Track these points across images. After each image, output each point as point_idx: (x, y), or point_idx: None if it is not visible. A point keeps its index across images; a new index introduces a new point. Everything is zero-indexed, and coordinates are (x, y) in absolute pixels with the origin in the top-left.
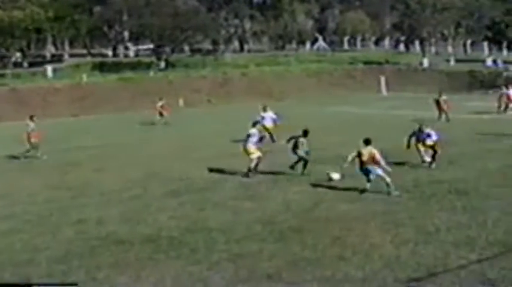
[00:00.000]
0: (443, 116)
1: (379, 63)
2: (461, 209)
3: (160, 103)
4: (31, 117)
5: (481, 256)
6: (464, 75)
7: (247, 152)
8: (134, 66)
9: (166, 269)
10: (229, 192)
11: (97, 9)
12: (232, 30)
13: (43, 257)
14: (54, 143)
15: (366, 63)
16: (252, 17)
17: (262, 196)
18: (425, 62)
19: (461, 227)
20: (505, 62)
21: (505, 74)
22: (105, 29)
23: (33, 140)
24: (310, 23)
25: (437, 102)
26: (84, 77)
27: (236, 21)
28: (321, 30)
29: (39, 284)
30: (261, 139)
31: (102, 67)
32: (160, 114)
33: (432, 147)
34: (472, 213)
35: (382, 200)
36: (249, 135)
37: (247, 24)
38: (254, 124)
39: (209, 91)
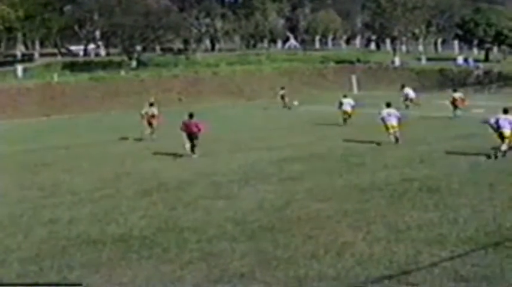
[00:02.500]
0: (457, 111)
1: (351, 62)
2: (432, 207)
3: (148, 110)
4: (151, 104)
5: (453, 254)
6: (435, 74)
7: None
8: (105, 65)
9: (138, 269)
10: (200, 191)
11: (68, 8)
12: (203, 29)
13: (15, 258)
14: (24, 143)
15: (337, 62)
16: (223, 16)
17: (234, 195)
18: (397, 61)
19: (432, 224)
20: (475, 60)
21: (475, 72)
22: (76, 28)
23: (154, 122)
24: (281, 22)
25: (454, 99)
26: (55, 77)
27: (207, 20)
28: (292, 29)
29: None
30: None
31: (73, 67)
32: (149, 123)
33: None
34: (443, 211)
35: (353, 198)
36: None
37: (219, 23)
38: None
39: (180, 90)
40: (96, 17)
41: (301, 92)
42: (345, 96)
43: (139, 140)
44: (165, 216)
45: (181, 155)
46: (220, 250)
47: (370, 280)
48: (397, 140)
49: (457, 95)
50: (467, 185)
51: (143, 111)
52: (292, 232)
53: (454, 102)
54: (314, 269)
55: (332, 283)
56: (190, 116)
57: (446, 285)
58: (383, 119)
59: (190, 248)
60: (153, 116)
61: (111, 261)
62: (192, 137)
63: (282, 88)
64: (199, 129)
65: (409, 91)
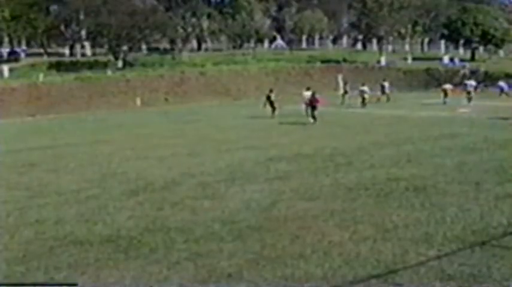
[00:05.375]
0: (446, 99)
1: (337, 62)
2: (419, 206)
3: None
4: (271, 91)
5: (440, 253)
6: (421, 73)
7: None
8: (91, 65)
9: (125, 269)
10: (187, 191)
11: (54, 8)
12: (190, 29)
13: (1, 259)
14: (10, 143)
15: (323, 61)
16: (209, 16)
17: (221, 195)
18: (383, 60)
19: (419, 224)
20: (461, 60)
21: (461, 71)
22: (62, 28)
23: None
24: (267, 22)
25: (445, 90)
26: (41, 77)
27: (194, 20)
28: (279, 29)
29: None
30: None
31: (59, 66)
32: None
33: None
34: (430, 210)
35: (340, 197)
36: None
37: (205, 23)
38: None
39: (167, 90)
40: (82, 16)
41: (288, 92)
42: (307, 89)
43: (123, 139)
44: (152, 216)
45: None
46: (207, 250)
47: (357, 280)
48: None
49: (447, 86)
50: (454, 184)
51: None
52: (280, 231)
53: (445, 92)
54: (301, 268)
55: (319, 282)
56: (308, 89)
57: (433, 284)
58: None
59: (178, 248)
60: None
61: (98, 261)
62: (313, 107)
63: (271, 91)
64: (317, 102)
65: (365, 88)
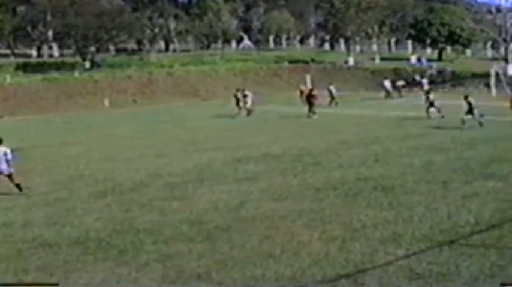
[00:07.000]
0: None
1: (305, 62)
2: (387, 205)
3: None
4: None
5: (408, 252)
6: (389, 73)
7: None
8: (59, 66)
9: (94, 271)
10: (155, 192)
11: (20, 8)
12: (157, 29)
13: None
14: None
15: (291, 62)
16: (176, 17)
17: (189, 196)
18: (350, 61)
19: (387, 223)
20: (429, 60)
21: (428, 71)
22: (29, 29)
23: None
24: (235, 22)
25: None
26: (8, 78)
27: (161, 20)
28: (246, 29)
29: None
30: None
31: (26, 68)
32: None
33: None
34: (398, 209)
35: (308, 197)
36: None
37: (172, 24)
38: None
39: (134, 91)
40: (49, 17)
41: (256, 92)
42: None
43: (91, 141)
44: (120, 218)
45: None
46: (176, 251)
47: (326, 279)
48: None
49: (400, 83)
50: (421, 184)
51: None
52: (248, 232)
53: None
54: (271, 269)
55: (289, 282)
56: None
57: (402, 283)
58: None
59: (146, 249)
60: None
61: (67, 264)
62: (311, 103)
63: (238, 90)
64: (315, 98)
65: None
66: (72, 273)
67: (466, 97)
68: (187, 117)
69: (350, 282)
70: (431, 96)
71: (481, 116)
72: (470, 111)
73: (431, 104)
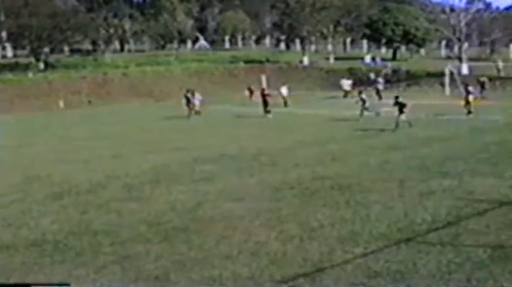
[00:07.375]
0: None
1: (260, 62)
2: (344, 204)
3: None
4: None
5: (366, 250)
6: (344, 73)
7: None
8: (12, 67)
9: (52, 273)
10: (112, 194)
11: None
12: (112, 30)
13: None
14: None
15: (246, 62)
16: (131, 17)
17: (146, 197)
18: (305, 60)
19: (345, 222)
20: (383, 59)
21: (383, 71)
22: None
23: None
24: (190, 23)
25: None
26: None
27: (116, 21)
28: (202, 29)
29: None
30: None
31: None
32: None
33: None
34: (355, 208)
35: (265, 197)
36: None
37: (127, 24)
38: None
39: (89, 92)
40: (2, 18)
41: (211, 93)
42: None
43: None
44: (77, 220)
45: None
46: (134, 252)
47: (285, 279)
48: None
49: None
50: (378, 182)
51: None
52: (206, 232)
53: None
54: (228, 269)
55: (247, 282)
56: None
57: (360, 281)
58: None
59: (104, 251)
60: None
61: (24, 266)
62: (265, 102)
63: (188, 91)
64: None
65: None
66: (29, 275)
67: (396, 97)
68: (142, 118)
69: (308, 281)
70: (364, 96)
71: (436, 115)
72: (401, 111)
73: (364, 103)
